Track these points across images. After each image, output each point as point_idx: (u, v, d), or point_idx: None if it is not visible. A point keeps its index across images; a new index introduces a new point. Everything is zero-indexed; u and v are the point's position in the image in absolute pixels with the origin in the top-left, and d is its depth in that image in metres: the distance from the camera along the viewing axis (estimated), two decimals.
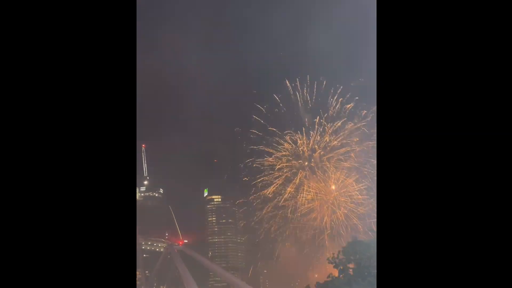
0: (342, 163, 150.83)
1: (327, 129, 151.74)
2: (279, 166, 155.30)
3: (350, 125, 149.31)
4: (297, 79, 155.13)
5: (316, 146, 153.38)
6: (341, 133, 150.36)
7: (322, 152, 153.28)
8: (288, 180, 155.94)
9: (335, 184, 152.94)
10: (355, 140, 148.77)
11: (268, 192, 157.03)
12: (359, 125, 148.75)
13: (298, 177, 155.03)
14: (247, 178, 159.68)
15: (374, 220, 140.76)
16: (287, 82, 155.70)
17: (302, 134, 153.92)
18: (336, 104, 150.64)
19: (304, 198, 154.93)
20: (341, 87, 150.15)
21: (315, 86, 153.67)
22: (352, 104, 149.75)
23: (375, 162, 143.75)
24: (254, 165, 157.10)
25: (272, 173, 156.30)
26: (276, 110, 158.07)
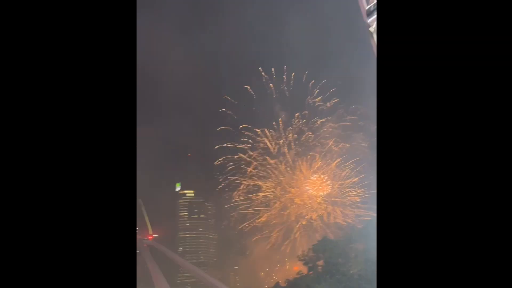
0: (319, 161, 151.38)
1: (303, 128, 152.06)
2: (255, 163, 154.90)
3: (329, 124, 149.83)
4: (273, 75, 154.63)
5: (292, 144, 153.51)
6: (320, 132, 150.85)
7: (299, 150, 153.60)
8: (262, 177, 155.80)
9: (309, 182, 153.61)
10: (333, 139, 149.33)
11: (241, 188, 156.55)
12: (339, 124, 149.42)
13: (272, 174, 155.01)
14: (221, 177, 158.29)
15: (346, 219, 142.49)
16: (263, 76, 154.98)
17: (278, 131, 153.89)
18: (314, 103, 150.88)
19: (277, 196, 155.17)
20: (324, 80, 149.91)
21: (292, 80, 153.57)
22: (332, 102, 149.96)
23: (350, 160, 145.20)
24: (229, 163, 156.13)
25: (246, 169, 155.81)
26: (254, 108, 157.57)
